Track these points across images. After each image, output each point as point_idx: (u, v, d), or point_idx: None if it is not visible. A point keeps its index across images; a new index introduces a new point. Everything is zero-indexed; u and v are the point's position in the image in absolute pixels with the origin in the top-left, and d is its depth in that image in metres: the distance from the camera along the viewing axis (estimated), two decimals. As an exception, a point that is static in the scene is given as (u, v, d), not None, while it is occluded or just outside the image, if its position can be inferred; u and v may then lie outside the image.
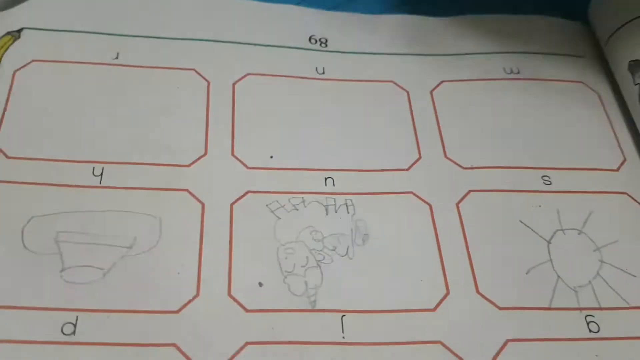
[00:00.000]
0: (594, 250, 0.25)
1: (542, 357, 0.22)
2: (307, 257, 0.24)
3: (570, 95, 0.30)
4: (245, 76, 0.28)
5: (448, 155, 0.27)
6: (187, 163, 0.25)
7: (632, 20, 0.29)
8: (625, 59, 0.29)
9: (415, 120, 0.28)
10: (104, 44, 0.28)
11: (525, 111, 0.29)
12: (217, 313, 0.22)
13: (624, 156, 0.28)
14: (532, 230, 0.25)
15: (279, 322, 0.22)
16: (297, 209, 0.25)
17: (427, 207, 0.25)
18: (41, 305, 0.21)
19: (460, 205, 0.26)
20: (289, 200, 0.25)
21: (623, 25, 0.29)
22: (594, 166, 0.27)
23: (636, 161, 0.28)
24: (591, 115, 0.29)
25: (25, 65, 0.27)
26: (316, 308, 0.22)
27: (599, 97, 0.30)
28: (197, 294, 0.22)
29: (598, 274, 0.24)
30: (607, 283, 0.24)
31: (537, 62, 0.31)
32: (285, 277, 0.23)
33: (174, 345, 0.21)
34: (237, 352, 0.21)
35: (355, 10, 0.32)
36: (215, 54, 0.29)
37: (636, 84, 0.28)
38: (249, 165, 0.26)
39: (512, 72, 0.30)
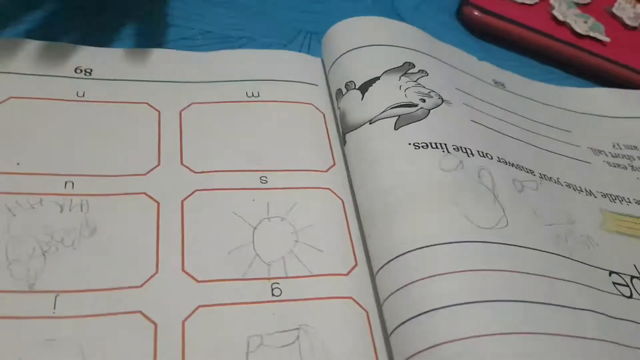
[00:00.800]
0: (292, 232, 0.30)
1: (228, 318, 0.26)
2: (34, 248, 0.27)
3: (299, 113, 0.36)
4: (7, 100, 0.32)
5: (184, 162, 0.32)
6: None
7: (340, 56, 0.35)
8: (334, 88, 0.35)
9: (161, 134, 0.33)
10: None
11: (258, 125, 0.34)
12: None
13: (333, 161, 0.34)
14: (242, 219, 0.30)
15: (-6, 301, 0.25)
16: (34, 208, 0.28)
17: (156, 204, 0.30)
18: None
19: (185, 202, 0.30)
20: (27, 200, 0.28)
21: (335, 60, 0.36)
22: (308, 168, 0.33)
23: (341, 165, 0.34)
24: (313, 130, 0.35)
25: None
26: (34, 289, 0.26)
27: (324, 116, 0.36)
28: None
29: (291, 251, 0.29)
30: (297, 258, 0.29)
31: (275, 87, 0.37)
32: (10, 264, 0.26)
33: None
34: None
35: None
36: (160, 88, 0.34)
37: (338, 108, 0.34)
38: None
39: (252, 95, 0.36)
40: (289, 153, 0.33)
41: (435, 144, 0.30)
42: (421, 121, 0.31)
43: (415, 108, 0.32)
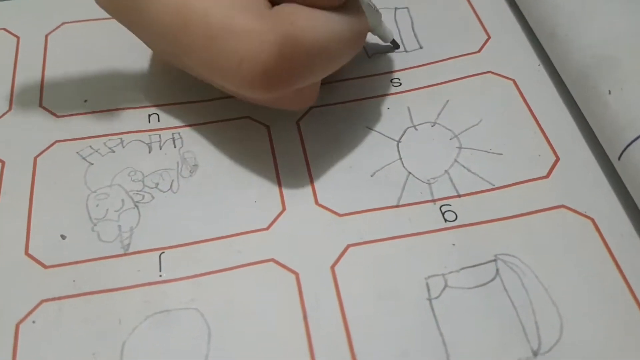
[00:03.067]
0: (451, 138, 0.22)
1: (389, 257, 0.19)
2: (122, 200, 0.21)
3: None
4: (60, 25, 0.26)
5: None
6: (-12, 122, 0.22)
7: None
8: None
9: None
10: None
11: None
12: (11, 274, 0.19)
13: (487, 34, 0.25)
14: (380, 133, 0.22)
15: (82, 274, 0.19)
16: (114, 151, 0.22)
17: (265, 128, 0.23)
18: None
19: (301, 122, 0.23)
20: (104, 143, 0.22)
21: None
22: (452, 54, 0.24)
23: (502, 35, 0.25)
24: (449, 4, 0.26)
25: None
26: (129, 251, 0.19)
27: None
28: (-10, 256, 0.19)
29: (456, 161, 0.21)
30: (467, 169, 0.21)
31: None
32: (95, 225, 0.20)
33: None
34: (31, 312, 0.18)
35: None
36: (23, 9, 0.26)
37: None
38: (59, 114, 0.23)
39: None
40: (423, 41, 0.25)
41: None
42: None
43: None
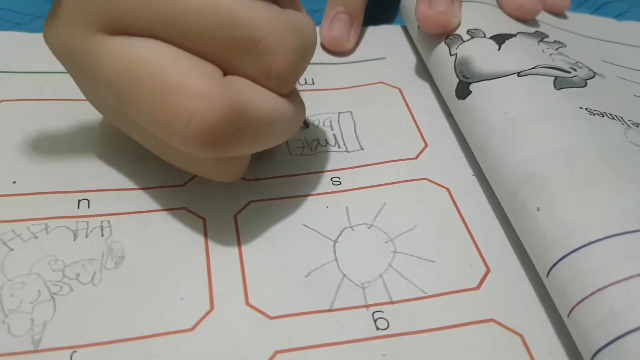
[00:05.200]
0: (386, 242, 0.22)
1: (319, 365, 0.18)
2: (39, 291, 0.19)
3: (368, 95, 0.28)
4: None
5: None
6: None
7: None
8: (440, 37, 0.28)
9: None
10: None
11: (317, 120, 0.27)
12: None
13: (424, 142, 0.26)
14: (317, 232, 0.22)
15: (-16, 371, 0.17)
16: (37, 237, 0.21)
17: (201, 220, 0.22)
18: None
19: (238, 216, 0.22)
20: (27, 228, 0.21)
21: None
22: (392, 158, 0.25)
23: (436, 144, 0.26)
24: (390, 111, 0.27)
25: None
26: (39, 348, 0.18)
27: (400, 91, 0.28)
28: None
29: (390, 265, 0.21)
30: (400, 274, 0.21)
31: (332, 71, 0.29)
32: (6, 317, 0.18)
33: None
34: None
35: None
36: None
37: (452, 55, 0.27)
38: (-4, 193, 0.22)
39: (306, 83, 0.28)
40: (365, 143, 0.26)
41: (612, 114, 0.23)
42: (583, 89, 0.24)
43: (570, 74, 0.25)
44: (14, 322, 0.18)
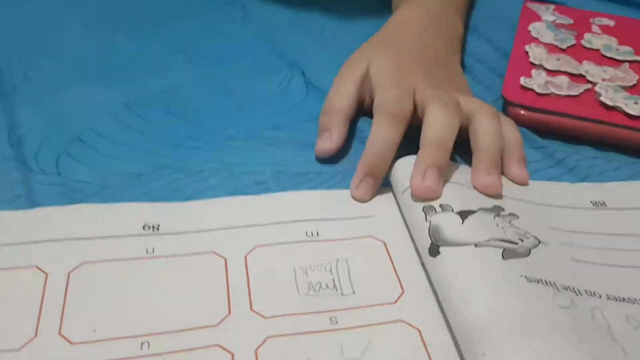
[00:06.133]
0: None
1: None
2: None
3: (358, 246, 0.36)
4: (80, 265, 0.34)
5: (253, 308, 0.32)
6: (17, 347, 0.29)
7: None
8: (419, 205, 0.36)
9: (229, 281, 0.33)
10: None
11: (320, 265, 0.35)
12: None
13: (402, 289, 0.33)
14: (319, 365, 0.29)
15: None
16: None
17: (230, 355, 0.30)
18: None
19: (259, 350, 0.30)
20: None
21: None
22: (376, 302, 0.33)
23: (412, 290, 0.33)
24: (375, 262, 0.35)
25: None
26: None
27: (384, 244, 0.36)
28: None
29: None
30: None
31: (333, 226, 0.37)
32: None
33: None
34: None
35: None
36: (50, 249, 0.34)
37: (427, 221, 0.35)
38: (73, 342, 0.30)
39: (312, 234, 0.37)
40: (357, 288, 0.33)
41: (546, 280, 0.30)
42: (526, 258, 0.32)
43: (517, 245, 0.33)
44: None
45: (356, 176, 0.40)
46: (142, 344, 0.30)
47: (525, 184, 0.40)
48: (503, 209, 0.36)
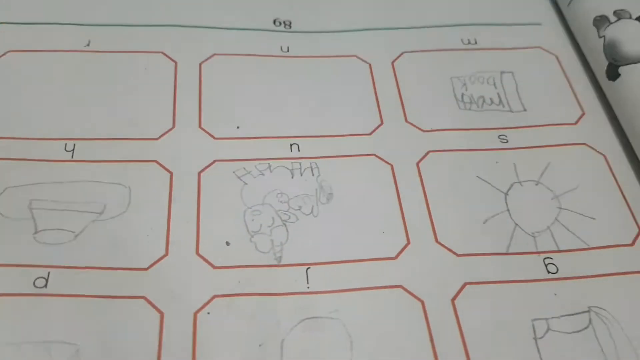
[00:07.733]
0: (552, 198, 0.26)
1: (502, 297, 0.23)
2: (273, 218, 0.24)
3: (524, 59, 0.31)
4: (211, 56, 0.30)
5: (409, 120, 0.28)
6: (156, 137, 0.26)
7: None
8: (589, 16, 0.30)
9: (377, 89, 0.29)
10: (76, 33, 0.30)
11: (481, 77, 0.30)
12: (185, 270, 0.23)
13: (582, 110, 0.29)
14: (489, 183, 0.26)
15: (245, 277, 0.23)
16: (264, 174, 0.26)
17: (389, 167, 0.26)
18: (14, 262, 0.22)
19: (420, 164, 0.27)
20: (255, 166, 0.26)
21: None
22: (553, 122, 0.28)
23: (595, 112, 0.29)
24: (547, 76, 0.30)
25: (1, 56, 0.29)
26: (282, 263, 0.23)
27: (557, 58, 0.31)
28: (166, 254, 0.23)
29: (556, 219, 0.25)
30: (565, 227, 0.25)
31: (494, 32, 0.32)
32: (252, 237, 0.24)
33: (143, 297, 0.22)
34: (206, 304, 0.22)
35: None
36: (182, 37, 0.30)
37: (601, 37, 0.29)
38: (216, 136, 0.27)
39: (469, 42, 0.31)
40: (527, 105, 0.29)
41: None
42: None
43: None
44: (259, 241, 0.24)
45: None
46: (291, 145, 0.27)
47: None
48: None
